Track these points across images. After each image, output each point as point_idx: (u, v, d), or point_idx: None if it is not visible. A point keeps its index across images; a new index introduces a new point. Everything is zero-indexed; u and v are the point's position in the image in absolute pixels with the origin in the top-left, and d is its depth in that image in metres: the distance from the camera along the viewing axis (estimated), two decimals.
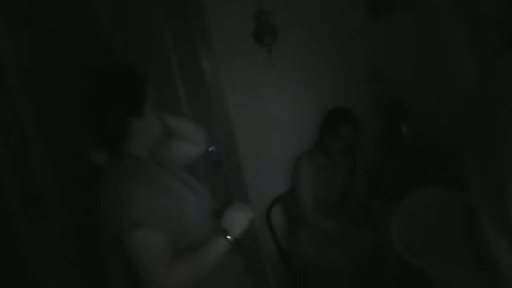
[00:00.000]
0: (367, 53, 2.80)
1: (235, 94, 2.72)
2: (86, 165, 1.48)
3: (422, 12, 2.74)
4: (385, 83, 2.77)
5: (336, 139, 2.57)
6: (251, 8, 2.65)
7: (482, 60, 2.33)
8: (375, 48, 2.78)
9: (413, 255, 2.02)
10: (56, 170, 2.56)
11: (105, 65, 1.51)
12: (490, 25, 2.18)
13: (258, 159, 2.78)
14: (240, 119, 2.76)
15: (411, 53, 2.78)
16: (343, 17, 2.80)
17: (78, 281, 2.53)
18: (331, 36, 2.82)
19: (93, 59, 2.56)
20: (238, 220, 1.48)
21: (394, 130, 2.66)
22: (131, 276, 1.36)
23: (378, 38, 2.80)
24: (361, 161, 2.73)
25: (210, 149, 2.58)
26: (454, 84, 2.70)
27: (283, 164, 2.79)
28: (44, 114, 2.55)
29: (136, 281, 1.34)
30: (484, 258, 1.10)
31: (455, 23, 2.69)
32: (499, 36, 1.05)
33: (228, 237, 1.43)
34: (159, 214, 1.34)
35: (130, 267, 1.34)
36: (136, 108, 1.43)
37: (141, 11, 2.62)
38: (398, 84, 2.75)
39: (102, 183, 1.41)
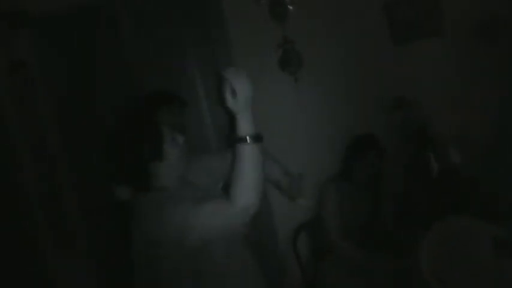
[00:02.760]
0: (393, 80, 2.80)
1: (260, 120, 2.73)
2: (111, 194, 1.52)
3: (446, 40, 2.77)
4: (411, 111, 2.77)
5: (361, 166, 2.58)
6: (277, 35, 2.69)
7: None
8: (399, 76, 2.79)
9: (442, 285, 1.98)
10: (80, 194, 2.61)
11: (127, 109, 1.56)
12: None
13: None
14: (264, 145, 2.77)
15: (436, 81, 2.78)
16: (368, 45, 2.82)
17: None
18: (356, 64, 2.83)
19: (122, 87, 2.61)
20: (243, 98, 1.40)
21: (419, 158, 2.65)
22: None
23: (403, 65, 2.80)
24: (386, 188, 2.71)
25: None
26: (479, 113, 2.70)
27: (308, 190, 2.78)
28: (70, 137, 2.61)
29: None
30: None
31: (480, 51, 2.72)
32: None
33: (247, 137, 1.43)
34: None
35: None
36: (155, 153, 1.45)
37: (166, 37, 2.68)
38: (423, 112, 2.75)
39: (137, 217, 1.44)
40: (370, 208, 2.65)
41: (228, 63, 2.70)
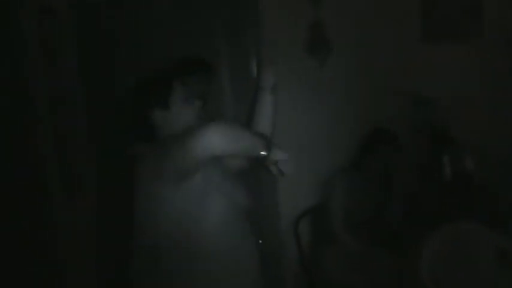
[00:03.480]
0: (418, 77, 2.77)
1: (280, 100, 2.72)
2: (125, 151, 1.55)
3: (479, 43, 2.72)
4: (433, 110, 2.74)
5: (373, 159, 2.55)
6: (308, 18, 2.67)
7: None
8: (426, 74, 2.75)
9: None
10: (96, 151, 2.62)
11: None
12: None
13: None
14: (280, 124, 2.76)
15: (463, 82, 2.75)
16: (398, 39, 2.78)
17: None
18: (383, 56, 2.79)
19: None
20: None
21: (435, 159, 2.63)
22: None
23: (431, 63, 2.76)
24: (397, 185, 2.67)
25: None
26: (503, 119, 2.68)
27: (318, 176, 2.77)
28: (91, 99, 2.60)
29: None
30: None
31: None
32: None
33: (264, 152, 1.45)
34: None
35: None
36: (160, 100, 1.51)
37: (195, 16, 2.65)
38: (446, 112, 2.72)
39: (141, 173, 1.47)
40: (378, 204, 2.61)
41: (256, 41, 2.68)
